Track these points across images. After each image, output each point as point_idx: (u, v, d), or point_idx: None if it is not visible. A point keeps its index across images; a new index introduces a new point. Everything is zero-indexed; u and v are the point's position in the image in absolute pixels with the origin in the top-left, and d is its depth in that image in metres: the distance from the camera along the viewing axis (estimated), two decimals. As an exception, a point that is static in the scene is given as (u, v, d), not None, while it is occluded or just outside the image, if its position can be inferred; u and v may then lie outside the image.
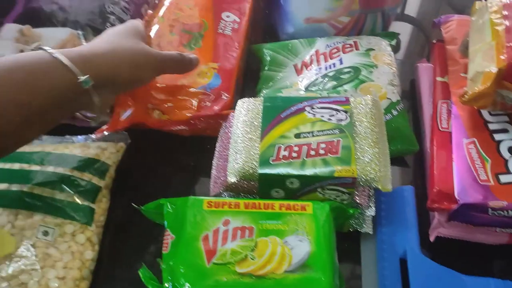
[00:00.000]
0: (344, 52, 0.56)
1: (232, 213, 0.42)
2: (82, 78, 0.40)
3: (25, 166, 0.49)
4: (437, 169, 0.47)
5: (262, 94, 0.56)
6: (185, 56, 0.51)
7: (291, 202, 0.42)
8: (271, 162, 0.41)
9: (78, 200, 0.48)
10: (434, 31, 0.61)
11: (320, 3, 0.59)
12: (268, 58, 0.60)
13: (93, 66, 0.41)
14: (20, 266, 0.43)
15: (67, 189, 0.48)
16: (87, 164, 0.50)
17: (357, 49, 0.56)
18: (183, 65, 0.51)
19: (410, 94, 0.61)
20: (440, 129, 0.51)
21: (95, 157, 0.51)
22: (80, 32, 0.57)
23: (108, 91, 0.44)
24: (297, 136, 0.42)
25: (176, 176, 0.54)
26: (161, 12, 0.61)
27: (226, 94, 0.53)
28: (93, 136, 0.54)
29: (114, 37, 0.45)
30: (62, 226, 0.46)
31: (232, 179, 0.42)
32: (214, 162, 0.47)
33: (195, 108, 0.52)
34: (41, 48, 0.40)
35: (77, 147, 0.52)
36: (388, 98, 0.51)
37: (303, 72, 0.57)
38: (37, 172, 0.49)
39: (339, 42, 0.58)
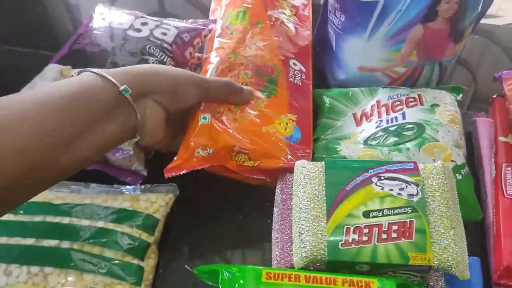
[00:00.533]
0: (407, 106, 0.54)
1: (292, 287, 0.40)
2: (122, 87, 0.42)
3: (75, 221, 0.48)
4: (504, 241, 0.45)
5: (320, 144, 0.54)
6: (235, 83, 0.50)
7: (355, 278, 0.39)
8: (340, 247, 0.39)
9: (127, 259, 0.47)
10: (494, 85, 0.59)
11: (376, 53, 0.57)
12: (328, 105, 0.58)
13: (132, 76, 0.43)
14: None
15: (117, 246, 0.47)
16: (137, 219, 0.49)
17: (421, 104, 0.54)
18: (234, 92, 0.51)
19: (467, 149, 0.58)
20: (506, 196, 0.48)
21: (144, 211, 0.50)
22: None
23: (152, 102, 0.45)
24: (366, 215, 0.40)
25: (224, 230, 0.53)
26: (228, 45, 0.58)
27: (307, 150, 0.52)
28: (142, 186, 0.52)
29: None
30: (111, 287, 0.45)
31: (299, 264, 0.40)
32: (274, 233, 0.45)
33: (285, 159, 0.50)
34: (87, 71, 0.43)
35: (126, 200, 0.50)
36: (452, 161, 0.49)
37: (363, 123, 0.55)
38: (87, 227, 0.47)
39: (403, 95, 0.56)
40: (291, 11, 0.65)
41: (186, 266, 0.43)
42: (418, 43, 0.55)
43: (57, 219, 0.48)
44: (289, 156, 0.51)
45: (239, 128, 0.51)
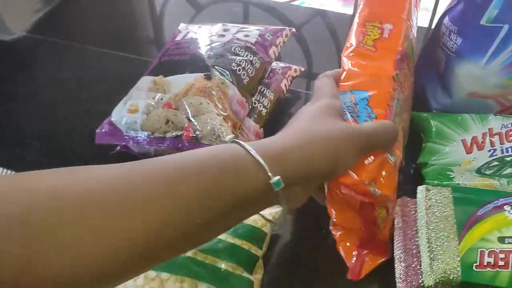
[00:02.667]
0: (524, 136, 0.52)
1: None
2: (275, 179, 0.35)
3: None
4: None
5: (430, 169, 0.53)
6: (391, 123, 0.43)
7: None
8: (474, 269, 0.38)
9: (238, 271, 0.46)
10: None
11: (492, 79, 0.56)
12: (434, 129, 0.57)
13: (287, 164, 0.36)
14: None
15: (229, 258, 0.46)
16: (247, 232, 0.48)
17: (538, 133, 0.52)
18: (393, 136, 0.43)
19: None
20: None
21: (252, 224, 0.49)
22: (204, 74, 0.56)
23: (301, 189, 0.40)
24: (501, 240, 0.39)
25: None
26: None
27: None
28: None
29: (307, 124, 0.40)
30: (224, 299, 0.44)
31: (429, 282, 0.39)
32: (397, 252, 0.44)
33: None
34: (235, 142, 0.36)
35: (235, 211, 0.50)
36: None
37: (473, 150, 0.54)
38: (200, 236, 0.47)
39: (517, 125, 0.54)
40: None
41: None
42: (539, 72, 0.53)
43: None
44: None
45: None
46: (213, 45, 0.60)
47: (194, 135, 0.52)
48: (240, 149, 0.35)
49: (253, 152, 0.35)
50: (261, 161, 0.34)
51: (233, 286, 0.45)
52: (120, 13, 0.88)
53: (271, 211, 0.50)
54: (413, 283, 0.41)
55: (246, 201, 0.35)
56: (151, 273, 0.44)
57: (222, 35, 0.62)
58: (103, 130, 0.56)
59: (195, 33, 0.65)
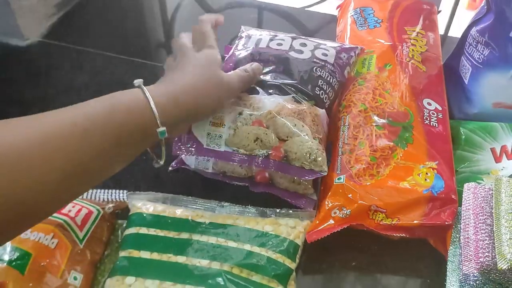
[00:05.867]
0: (553, 147, 0.53)
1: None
2: (160, 129, 0.42)
3: (222, 241, 0.48)
4: None
5: (460, 177, 0.54)
6: (248, 69, 0.53)
7: None
8: None
9: (273, 284, 0.46)
10: None
11: (518, 90, 0.56)
12: (463, 137, 0.57)
13: (177, 109, 0.44)
14: None
15: (264, 271, 0.46)
16: (281, 245, 0.48)
17: None
18: (249, 81, 0.54)
19: None
20: None
21: (286, 236, 0.49)
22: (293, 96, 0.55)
23: (184, 125, 0.51)
24: None
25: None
26: (357, 98, 0.57)
27: (452, 196, 0.50)
28: (278, 210, 0.52)
29: (195, 69, 0.47)
30: (261, 313, 0.44)
31: (503, 265, 0.40)
32: (464, 235, 0.46)
33: (423, 215, 0.49)
34: (140, 87, 0.43)
35: (267, 224, 0.50)
36: None
37: (503, 159, 0.54)
38: (235, 249, 0.47)
39: (546, 135, 0.54)
40: (422, 41, 0.64)
41: None
42: None
43: (203, 238, 0.48)
44: (429, 209, 0.49)
45: (376, 185, 0.50)
46: (293, 62, 0.57)
47: (284, 155, 0.51)
48: (141, 93, 0.42)
49: (150, 98, 0.42)
50: (155, 111, 0.42)
51: (269, 300, 0.45)
52: (131, 18, 0.87)
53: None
54: (484, 264, 0.42)
55: (134, 137, 0.41)
56: (189, 288, 0.44)
57: (300, 51, 0.59)
58: (182, 142, 0.54)
59: (263, 40, 0.60)
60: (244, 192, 0.54)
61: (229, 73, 0.52)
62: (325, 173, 0.51)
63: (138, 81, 0.44)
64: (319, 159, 0.50)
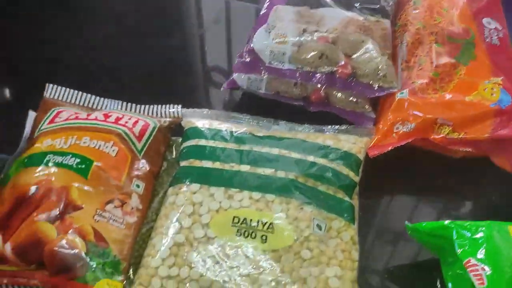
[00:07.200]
0: None
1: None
2: None
3: (285, 153, 0.46)
4: None
5: None
6: None
7: None
8: None
9: (339, 195, 0.45)
10: None
11: None
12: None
13: None
14: (296, 260, 0.40)
15: (330, 182, 0.45)
16: (344, 157, 0.47)
17: None
18: None
19: None
20: None
21: (348, 150, 0.48)
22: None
23: None
24: None
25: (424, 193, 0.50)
26: (413, 16, 0.56)
27: None
28: (336, 127, 0.50)
29: None
30: (329, 221, 0.43)
31: None
32: None
33: (491, 128, 0.47)
34: None
35: (327, 138, 0.48)
36: None
37: None
38: (298, 160, 0.46)
39: None
40: None
41: (406, 222, 0.41)
42: None
43: (265, 149, 0.46)
44: (496, 124, 0.48)
45: (440, 99, 0.49)
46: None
47: (352, 72, 0.49)
48: None
49: None
50: None
51: (336, 209, 0.44)
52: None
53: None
54: None
55: None
56: (256, 195, 0.43)
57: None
58: (243, 60, 0.53)
59: None
60: (298, 113, 0.53)
61: None
62: (396, 89, 0.49)
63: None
64: (389, 75, 0.49)
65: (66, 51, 0.63)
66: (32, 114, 0.50)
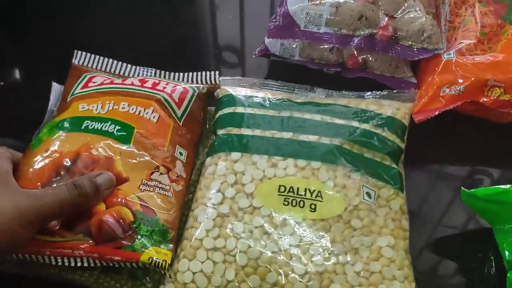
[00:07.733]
0: None
1: None
2: None
3: (327, 119, 0.44)
4: None
5: None
6: (84, 183, 0.35)
7: None
8: None
9: (386, 162, 0.42)
10: None
11: None
12: None
13: None
14: (347, 230, 0.38)
15: (376, 148, 0.42)
16: (389, 123, 0.44)
17: None
18: (79, 202, 0.35)
19: None
20: None
21: (393, 116, 0.45)
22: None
23: None
24: None
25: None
26: None
27: None
28: (378, 93, 0.48)
29: None
30: (378, 189, 0.41)
31: None
32: None
33: None
34: None
35: (370, 103, 0.46)
36: None
37: None
38: (342, 126, 0.43)
39: None
40: None
41: (462, 188, 0.39)
42: None
43: (306, 116, 0.44)
44: None
45: (490, 59, 0.46)
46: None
47: (393, 34, 0.46)
48: None
49: None
50: None
51: (384, 177, 0.41)
52: None
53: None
54: None
55: None
56: (301, 162, 0.41)
57: None
58: (276, 23, 0.49)
59: None
60: (330, 82, 0.50)
61: (38, 191, 0.35)
62: (441, 51, 0.46)
63: None
64: (435, 36, 0.46)
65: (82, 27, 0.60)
66: (56, 86, 0.48)
